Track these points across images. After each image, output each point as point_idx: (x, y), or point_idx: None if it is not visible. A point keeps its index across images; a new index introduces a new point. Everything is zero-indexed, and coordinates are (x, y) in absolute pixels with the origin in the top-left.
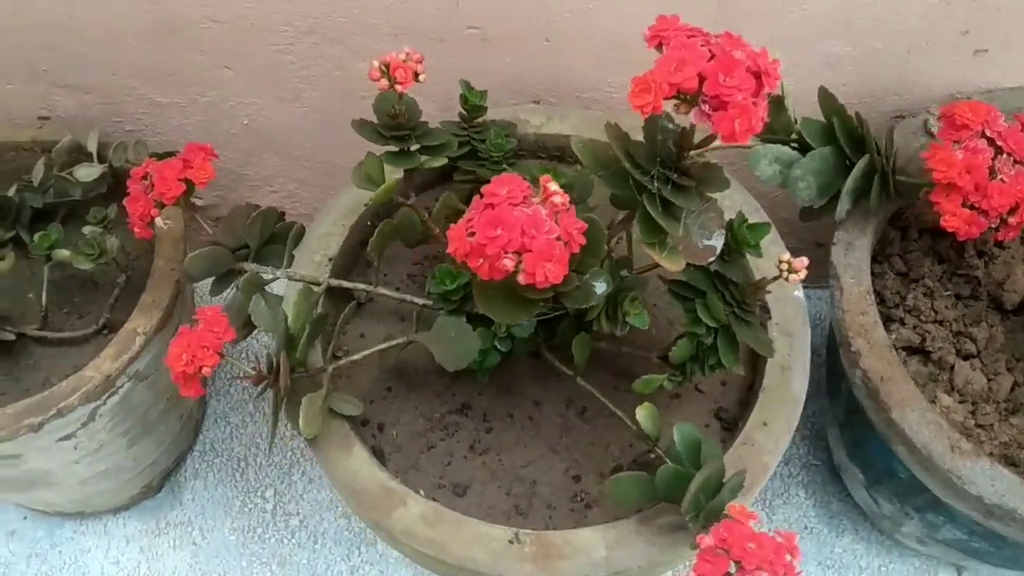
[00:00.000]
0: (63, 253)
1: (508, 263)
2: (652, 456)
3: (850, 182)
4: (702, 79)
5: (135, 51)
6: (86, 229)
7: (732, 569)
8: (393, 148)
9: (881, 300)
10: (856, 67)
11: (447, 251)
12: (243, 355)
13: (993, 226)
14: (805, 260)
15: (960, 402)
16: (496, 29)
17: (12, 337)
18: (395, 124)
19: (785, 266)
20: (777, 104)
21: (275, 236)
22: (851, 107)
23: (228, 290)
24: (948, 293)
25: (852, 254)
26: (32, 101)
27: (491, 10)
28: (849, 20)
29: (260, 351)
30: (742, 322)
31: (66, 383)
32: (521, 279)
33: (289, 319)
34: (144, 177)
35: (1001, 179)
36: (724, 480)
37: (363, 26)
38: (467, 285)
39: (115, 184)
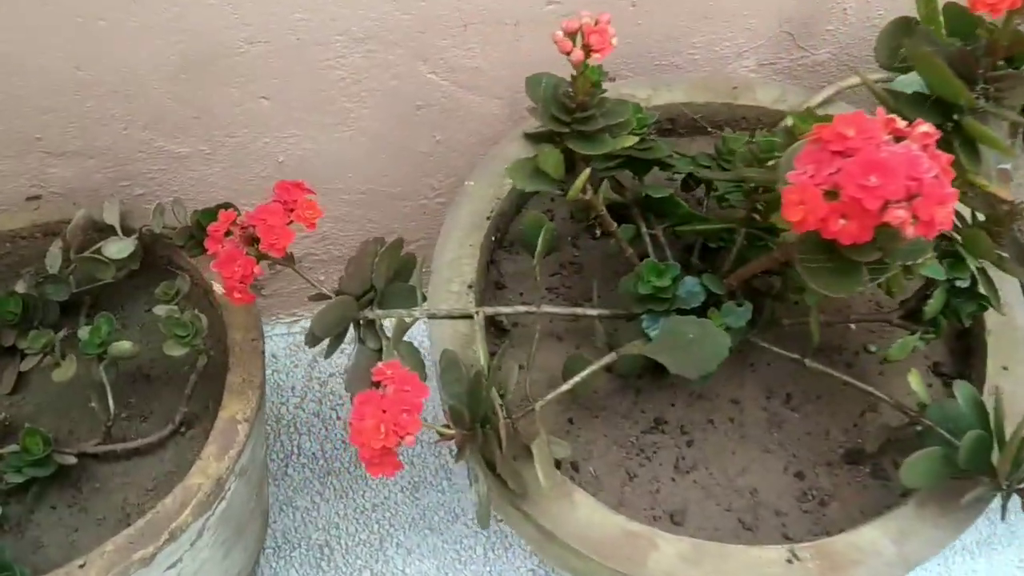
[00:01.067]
0: (123, 346)
1: (901, 214)
2: (916, 429)
3: None
4: None
5: (156, 96)
6: (159, 309)
7: None
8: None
9: None
10: None
11: (787, 219)
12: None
13: None
14: None
15: None
16: (580, 1)
17: (73, 460)
18: (577, 104)
19: None
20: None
21: (398, 273)
22: None
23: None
24: None
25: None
26: (19, 179)
27: None
28: None
29: (326, 414)
30: (1000, 257)
31: (171, 499)
32: (912, 231)
33: (481, 357)
34: (227, 233)
35: None
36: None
37: (428, 20)
38: (676, 279)
39: (146, 257)
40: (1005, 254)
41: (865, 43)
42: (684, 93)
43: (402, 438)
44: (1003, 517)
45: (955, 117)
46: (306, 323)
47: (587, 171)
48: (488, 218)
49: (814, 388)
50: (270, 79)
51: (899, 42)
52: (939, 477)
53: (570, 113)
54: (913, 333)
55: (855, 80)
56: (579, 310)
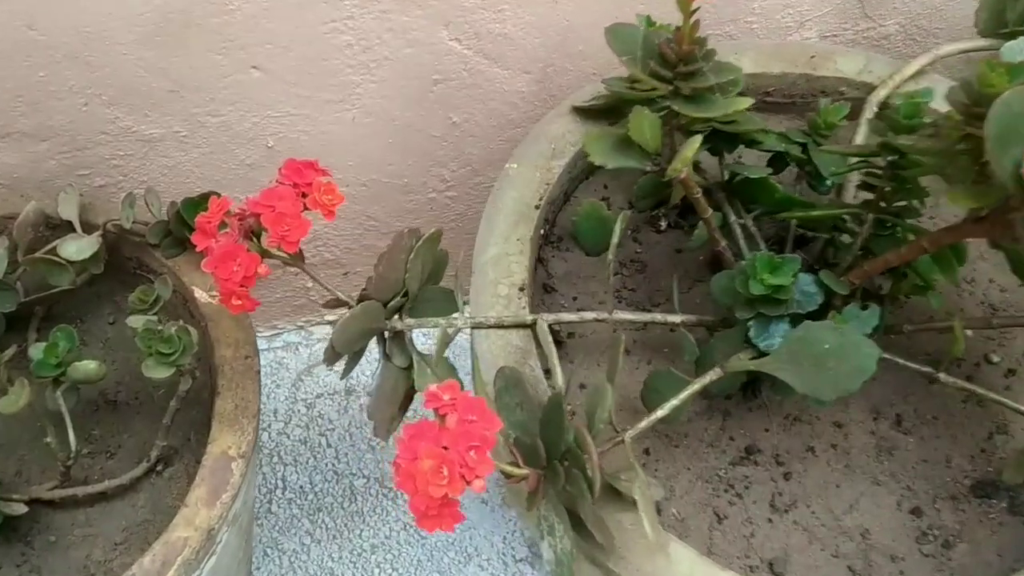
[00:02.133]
0: (87, 367)
1: None
2: None
3: None
4: None
5: (124, 64)
6: (134, 320)
7: None
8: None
9: None
10: None
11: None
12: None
13: None
14: None
15: None
16: None
17: (23, 508)
18: (680, 55)
19: None
20: None
21: (431, 274)
22: None
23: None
24: None
25: None
26: None
27: None
28: None
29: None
30: None
31: (149, 558)
32: None
33: (558, 378)
34: (221, 226)
35: None
36: None
37: None
38: (796, 276)
39: (111, 259)
40: None
41: (937, 14)
42: (753, 62)
43: (470, 482)
44: None
45: None
46: (289, 336)
47: (697, 138)
48: (537, 207)
49: (928, 407)
50: (263, 45)
51: (1004, 5)
52: None
53: (672, 68)
54: None
55: (953, 47)
56: (659, 316)
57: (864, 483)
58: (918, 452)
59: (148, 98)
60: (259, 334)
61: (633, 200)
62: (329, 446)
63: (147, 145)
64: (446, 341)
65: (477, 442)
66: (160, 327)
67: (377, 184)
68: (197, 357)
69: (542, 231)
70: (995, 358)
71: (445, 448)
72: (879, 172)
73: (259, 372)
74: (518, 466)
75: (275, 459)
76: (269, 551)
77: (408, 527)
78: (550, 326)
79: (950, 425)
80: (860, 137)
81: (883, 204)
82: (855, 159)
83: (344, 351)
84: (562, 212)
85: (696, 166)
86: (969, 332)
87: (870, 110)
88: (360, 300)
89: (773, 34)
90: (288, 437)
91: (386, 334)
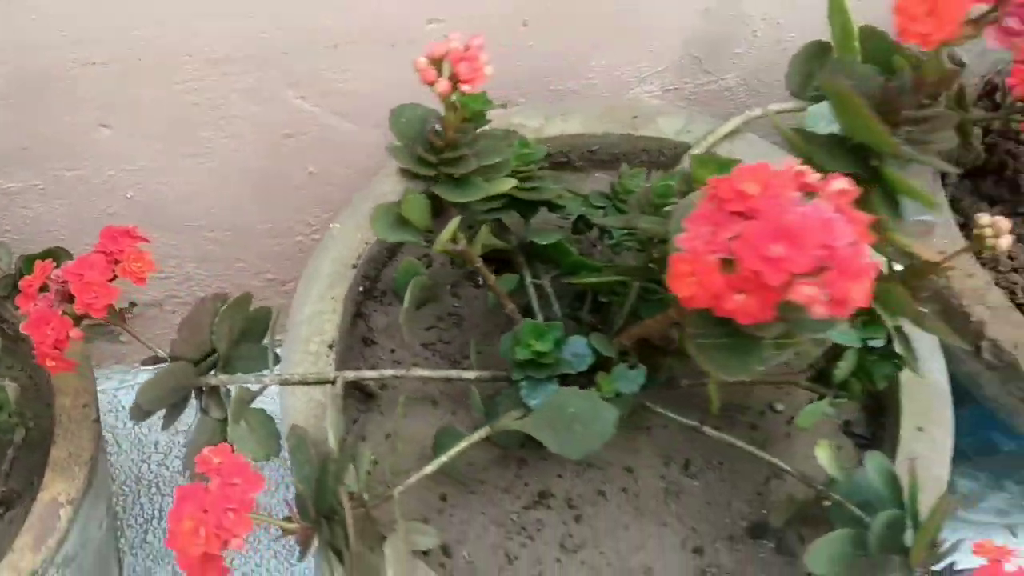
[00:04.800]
0: None
1: (810, 291)
2: (826, 504)
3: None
4: None
5: None
6: None
7: None
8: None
9: None
10: None
11: (676, 295)
12: None
13: None
14: (1008, 219)
15: None
16: (465, 17)
17: None
18: (446, 142)
19: (988, 230)
20: (817, 54)
21: (245, 332)
22: None
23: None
24: (1013, 235)
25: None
26: None
27: None
28: None
29: None
30: (919, 314)
31: None
32: (822, 310)
33: (331, 438)
34: (42, 289)
35: None
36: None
37: (292, 39)
38: (560, 342)
39: None
40: (925, 309)
41: (776, 68)
42: (580, 123)
43: (227, 543)
44: None
45: (874, 164)
46: None
47: (456, 220)
48: (354, 266)
49: (716, 453)
50: (112, 104)
51: (812, 69)
52: (849, 562)
53: (438, 153)
54: (822, 397)
55: (764, 110)
56: (454, 372)
57: (652, 524)
58: (703, 495)
59: (3, 154)
60: (144, 368)
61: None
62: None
63: (6, 198)
64: (243, 398)
65: (235, 504)
66: None
67: (242, 230)
68: (46, 403)
69: (361, 288)
70: (779, 406)
71: (205, 511)
72: (641, 243)
73: (97, 420)
74: (291, 520)
75: (153, 490)
76: None
77: (278, 554)
78: (359, 381)
79: (733, 470)
80: None
81: (653, 269)
82: (621, 230)
83: (153, 408)
84: (388, 267)
85: (505, 229)
86: None
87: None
88: (170, 359)
89: (615, 89)
90: (167, 468)
91: (204, 389)
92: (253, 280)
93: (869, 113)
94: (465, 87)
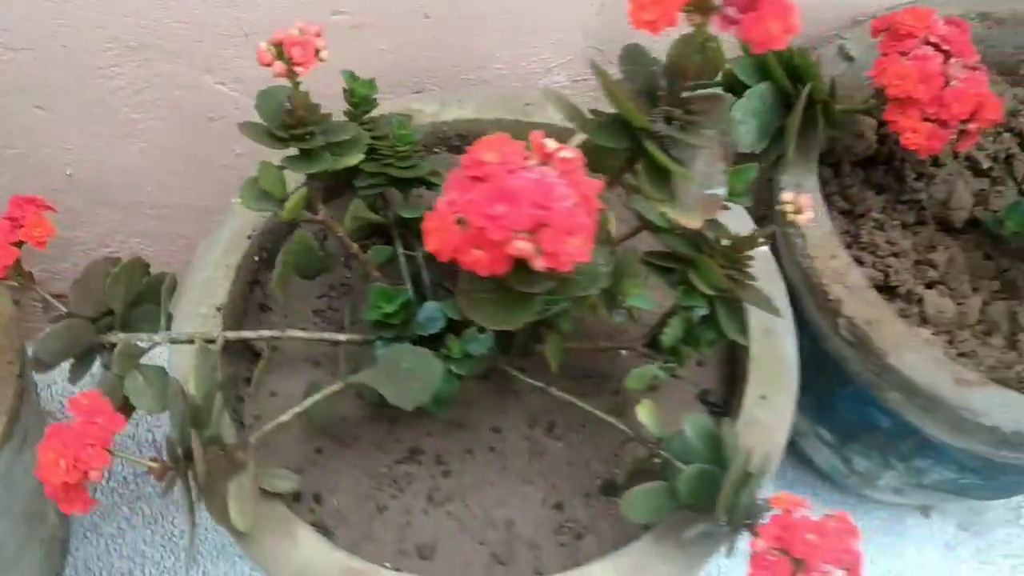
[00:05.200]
0: None
1: (524, 246)
2: (656, 461)
3: (795, 116)
4: None
5: None
6: None
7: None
8: (294, 150)
9: None
10: None
11: (427, 249)
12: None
13: (953, 137)
14: (810, 196)
15: (935, 333)
16: (368, 9)
17: None
18: (295, 120)
19: (790, 206)
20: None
21: (144, 294)
22: None
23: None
24: (896, 223)
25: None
26: None
27: None
28: None
29: (143, 437)
30: (740, 284)
31: None
32: (540, 263)
33: (191, 388)
34: None
35: (955, 85)
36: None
37: (204, 28)
38: (407, 304)
39: None
40: (749, 282)
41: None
42: (474, 109)
43: (85, 474)
44: (727, 554)
45: (646, 143)
46: None
47: (302, 191)
48: (249, 237)
49: (578, 417)
50: (43, 88)
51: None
52: (664, 512)
53: (288, 130)
54: (654, 363)
55: None
56: (327, 335)
57: (515, 481)
58: (565, 456)
59: None
60: None
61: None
62: (155, 440)
63: None
64: (129, 354)
65: (94, 440)
66: None
67: (181, 207)
68: None
69: (257, 258)
70: None
71: (66, 445)
72: None
73: (21, 376)
74: (156, 462)
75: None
76: (89, 535)
77: None
78: (249, 342)
79: (593, 433)
80: None
81: None
82: None
83: (53, 360)
84: (287, 240)
85: (386, 206)
86: (624, 352)
87: None
88: (67, 317)
89: (525, 79)
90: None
91: (106, 345)
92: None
93: (623, 96)
94: (299, 69)
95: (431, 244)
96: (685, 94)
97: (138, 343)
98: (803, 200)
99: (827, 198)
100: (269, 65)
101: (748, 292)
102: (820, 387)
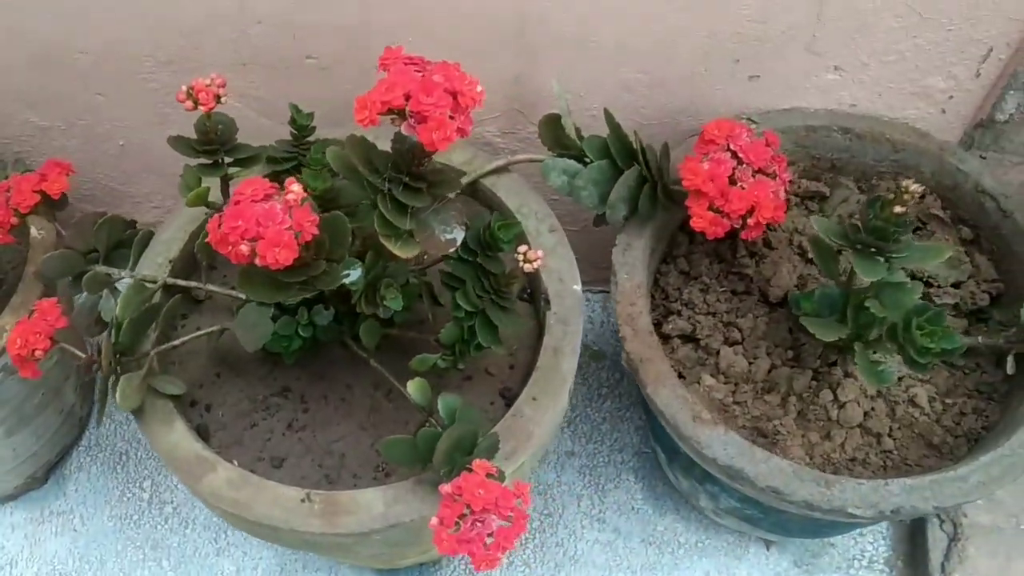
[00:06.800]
0: None
1: (244, 248)
2: (428, 425)
3: (617, 189)
4: (409, 98)
5: (20, 78)
6: None
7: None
8: (205, 160)
9: (665, 296)
10: (650, 90)
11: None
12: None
13: (737, 226)
14: (540, 252)
15: (724, 383)
16: (331, 58)
17: None
18: (206, 140)
19: (521, 256)
20: (554, 123)
21: (124, 241)
22: (652, 127)
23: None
24: (723, 289)
25: (629, 254)
26: None
27: (325, 42)
28: (632, 49)
29: None
30: (498, 307)
31: None
32: (258, 261)
33: (118, 311)
34: (8, 190)
35: (741, 186)
36: (477, 442)
37: (213, 56)
38: None
39: None
40: (507, 306)
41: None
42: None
43: (32, 351)
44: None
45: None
46: None
47: (202, 188)
48: (207, 215)
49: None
50: (102, 80)
51: (555, 132)
52: (407, 459)
53: (202, 145)
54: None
55: (524, 156)
56: (228, 291)
57: (354, 426)
58: (394, 415)
59: (35, 101)
60: None
61: None
62: None
63: (41, 131)
64: (99, 281)
65: (40, 330)
66: None
67: None
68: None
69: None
70: None
71: (26, 330)
72: None
73: (47, 285)
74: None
75: None
76: (108, 419)
77: None
78: (189, 289)
79: None
80: None
81: None
82: None
83: (51, 277)
84: None
85: None
86: None
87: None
88: (65, 248)
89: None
90: None
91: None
92: None
93: (353, 164)
94: (202, 108)
95: (210, 236)
96: (425, 166)
97: (108, 274)
98: (532, 254)
99: (675, 260)
100: (183, 102)
101: (499, 314)
102: (649, 411)
